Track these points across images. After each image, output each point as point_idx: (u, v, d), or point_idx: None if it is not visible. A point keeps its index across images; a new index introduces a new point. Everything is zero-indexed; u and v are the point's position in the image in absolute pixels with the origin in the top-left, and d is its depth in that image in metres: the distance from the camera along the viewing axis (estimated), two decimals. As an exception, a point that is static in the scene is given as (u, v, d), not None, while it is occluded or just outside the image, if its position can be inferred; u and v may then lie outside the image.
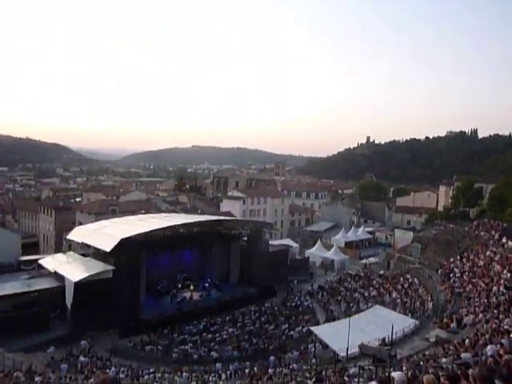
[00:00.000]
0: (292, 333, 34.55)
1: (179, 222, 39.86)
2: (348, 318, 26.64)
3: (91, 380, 19.63)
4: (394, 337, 24.19)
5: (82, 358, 26.75)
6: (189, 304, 38.55)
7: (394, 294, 38.05)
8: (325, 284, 45.54)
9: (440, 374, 7.97)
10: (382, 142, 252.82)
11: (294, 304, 41.09)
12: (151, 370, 25.55)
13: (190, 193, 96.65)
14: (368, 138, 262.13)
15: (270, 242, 49.59)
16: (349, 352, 23.61)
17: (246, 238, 46.03)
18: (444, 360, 14.64)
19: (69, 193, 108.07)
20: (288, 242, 55.31)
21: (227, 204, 71.36)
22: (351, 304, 38.74)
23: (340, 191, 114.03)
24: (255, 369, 26.48)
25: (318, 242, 57.71)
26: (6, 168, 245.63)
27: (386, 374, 12.98)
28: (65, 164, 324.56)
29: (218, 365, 27.53)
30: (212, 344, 32.13)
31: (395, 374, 8.04)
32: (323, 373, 18.57)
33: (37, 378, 16.70)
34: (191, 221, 41.66)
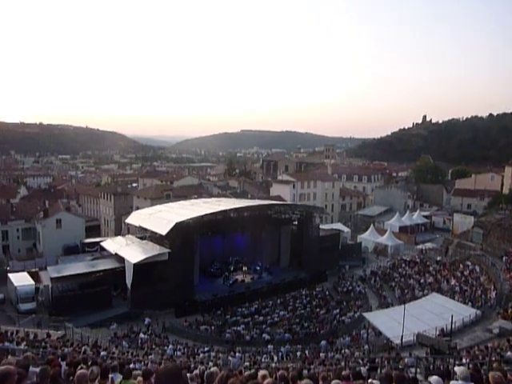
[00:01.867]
0: (343, 318, 34.30)
1: (230, 207, 40.52)
2: (402, 305, 25.94)
3: (151, 356, 20.74)
4: (452, 327, 23.19)
5: (141, 335, 28.34)
6: (241, 286, 39.38)
7: (453, 282, 36.40)
8: (377, 269, 44.50)
9: (505, 368, 7.49)
10: (440, 121, 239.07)
11: (345, 289, 40.65)
12: (206, 349, 26.57)
13: (239, 177, 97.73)
14: (424, 117, 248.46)
15: (321, 227, 49.10)
16: (403, 340, 23.04)
17: (296, 223, 45.91)
18: (509, 353, 13.81)
19: (126, 178, 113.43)
20: (339, 226, 54.49)
21: (277, 188, 71.33)
22: (406, 291, 37.61)
23: (394, 174, 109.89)
24: (306, 352, 26.69)
25: (371, 227, 56.28)
26: (68, 156, 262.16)
27: (445, 366, 12.49)
28: (121, 151, 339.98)
29: (270, 346, 28.05)
30: (263, 326, 32.73)
31: (458, 369, 7.66)
32: (376, 360, 18.27)
33: (102, 353, 17.89)
34: (242, 205, 42.15)
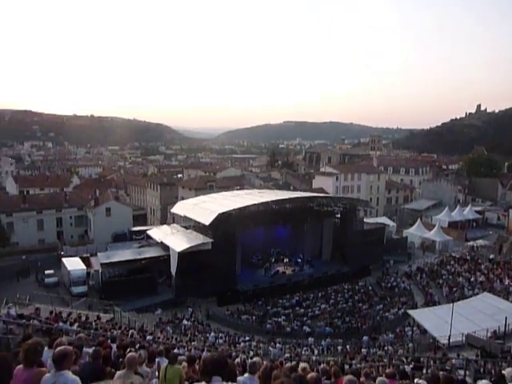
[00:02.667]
0: (387, 314, 33.50)
1: (272, 199, 40.51)
2: (451, 304, 24.89)
3: (194, 343, 21.33)
4: (506, 329, 21.96)
5: (185, 322, 29.21)
6: (282, 278, 39.45)
7: (507, 282, 34.43)
8: (424, 266, 42.91)
9: None
10: (496, 111, 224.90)
11: (389, 285, 39.61)
12: (247, 339, 26.95)
13: (282, 169, 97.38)
14: (478, 107, 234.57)
15: (365, 220, 48.00)
16: (451, 340, 22.14)
17: (339, 215, 45.16)
18: None
19: (171, 169, 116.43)
20: (384, 220, 52.99)
21: (319, 180, 70.41)
22: (454, 289, 36.03)
23: (444, 166, 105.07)
24: (348, 347, 26.38)
25: (418, 221, 54.24)
26: (117, 147, 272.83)
27: (497, 370, 11.85)
28: (167, 142, 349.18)
29: (311, 339, 27.97)
30: (304, 318, 32.66)
31: (507, 371, 7.24)
32: (422, 359, 17.70)
33: (148, 337, 18.63)
34: (284, 197, 42.03)
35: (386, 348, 24.92)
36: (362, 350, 24.69)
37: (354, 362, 19.67)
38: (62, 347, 4.16)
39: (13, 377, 3.53)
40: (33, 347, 3.94)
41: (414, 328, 28.55)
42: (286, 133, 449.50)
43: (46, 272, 36.97)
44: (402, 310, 33.10)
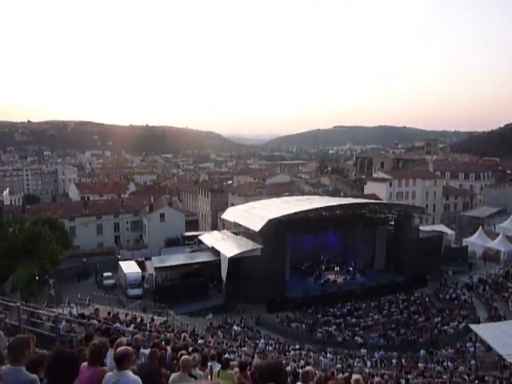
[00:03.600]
0: (446, 328, 31.67)
1: (322, 205, 39.92)
2: (519, 320, 23.02)
3: (244, 348, 21.38)
4: None
5: (235, 327, 29.41)
6: (332, 286, 38.64)
7: None
8: (487, 277, 40.16)
9: None
10: None
11: (448, 296, 37.48)
12: (297, 347, 26.58)
13: (331, 175, 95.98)
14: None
15: (421, 228, 45.85)
16: (520, 359, 20.41)
17: (392, 223, 43.56)
18: None
19: (221, 176, 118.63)
20: (441, 228, 50.30)
21: (371, 186, 68.47)
22: (522, 303, 33.38)
23: (509, 171, 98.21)
24: (403, 360, 25.21)
25: (480, 230, 50.98)
26: (170, 155, 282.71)
27: None
28: (217, 150, 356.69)
29: (363, 350, 27.07)
30: (356, 329, 31.70)
31: None
32: (486, 378, 16.50)
33: (200, 341, 18.92)
34: (334, 203, 41.31)
35: (445, 364, 23.51)
36: (419, 364, 23.45)
37: (410, 376, 18.74)
38: (124, 347, 4.31)
39: (79, 373, 3.69)
40: (99, 348, 4.12)
41: (477, 344, 26.71)
42: (335, 138, 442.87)
43: (105, 274, 38.91)
44: (463, 324, 31.15)
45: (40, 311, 13.42)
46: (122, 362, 4.05)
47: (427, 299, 37.29)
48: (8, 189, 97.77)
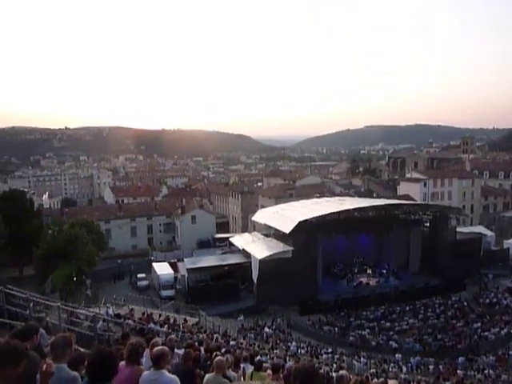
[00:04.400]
0: (486, 333, 30.40)
1: (354, 206, 39.29)
2: None
3: (276, 351, 21.30)
4: None
5: (266, 329, 29.36)
6: (365, 289, 37.94)
7: None
8: (531, 281, 38.27)
9: None
10: None
11: (488, 301, 36.00)
12: (329, 350, 26.23)
13: (363, 175, 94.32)
14: None
15: (458, 230, 44.32)
16: None
17: (428, 224, 42.33)
18: None
19: (251, 178, 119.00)
20: (480, 229, 48.35)
21: (405, 186, 66.73)
22: None
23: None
24: (441, 367, 24.41)
25: (521, 231, 48.73)
26: (201, 158, 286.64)
27: None
28: (247, 152, 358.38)
29: (398, 356, 26.39)
30: (391, 333, 30.96)
31: None
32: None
33: (232, 342, 19.01)
34: (366, 205, 40.55)
35: (486, 372, 22.58)
36: (458, 371, 22.63)
37: (448, 383, 18.12)
38: (161, 347, 4.39)
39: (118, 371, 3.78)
40: (136, 347, 4.22)
41: (521, 351, 25.50)
42: (367, 138, 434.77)
43: (139, 275, 39.84)
44: (505, 330, 29.83)
45: (78, 311, 13.90)
46: (159, 361, 4.13)
47: (466, 303, 35.92)
48: (47, 193, 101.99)
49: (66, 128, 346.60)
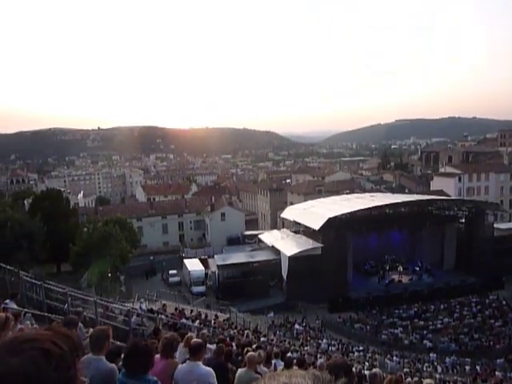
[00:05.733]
0: (527, 334, 29.13)
1: (385, 202, 38.49)
2: None
3: (307, 348, 21.23)
4: None
5: (297, 326, 29.28)
6: (397, 287, 37.14)
7: None
8: None
9: None
10: None
11: (529, 300, 34.46)
12: (361, 348, 25.90)
13: (395, 171, 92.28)
14: None
15: (496, 226, 42.48)
16: None
17: (463, 220, 40.96)
18: None
19: (280, 175, 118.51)
20: (520, 225, 46.36)
21: (439, 181, 64.79)
22: None
23: None
24: (478, 368, 23.65)
25: None
26: (229, 155, 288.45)
27: None
28: (275, 149, 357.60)
29: (433, 355, 25.76)
30: (424, 332, 30.27)
31: None
32: None
33: (262, 339, 19.08)
34: (398, 201, 39.65)
35: (526, 373, 21.66)
36: (496, 372, 21.84)
37: (486, 385, 17.52)
38: (198, 340, 4.48)
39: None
40: (170, 341, 4.34)
41: None
42: (398, 132, 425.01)
43: (170, 272, 40.61)
44: (547, 331, 28.49)
45: (113, 305, 14.33)
46: (196, 352, 4.22)
47: (504, 302, 34.59)
48: (82, 192, 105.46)
49: (99, 128, 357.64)
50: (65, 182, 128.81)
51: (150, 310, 17.80)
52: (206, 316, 23.21)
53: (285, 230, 44.21)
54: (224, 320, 23.99)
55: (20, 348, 0.87)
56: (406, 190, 65.74)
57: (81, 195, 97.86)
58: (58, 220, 39.43)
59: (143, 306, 19.72)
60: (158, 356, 4.22)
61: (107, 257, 34.39)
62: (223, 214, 54.45)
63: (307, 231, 38.91)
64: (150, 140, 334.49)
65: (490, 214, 41.81)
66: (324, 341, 26.06)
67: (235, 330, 19.08)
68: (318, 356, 18.36)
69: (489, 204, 44.53)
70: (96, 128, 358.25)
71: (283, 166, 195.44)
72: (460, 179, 62.18)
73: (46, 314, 9.16)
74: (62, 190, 69.13)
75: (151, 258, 45.25)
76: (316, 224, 34.94)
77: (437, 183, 65.13)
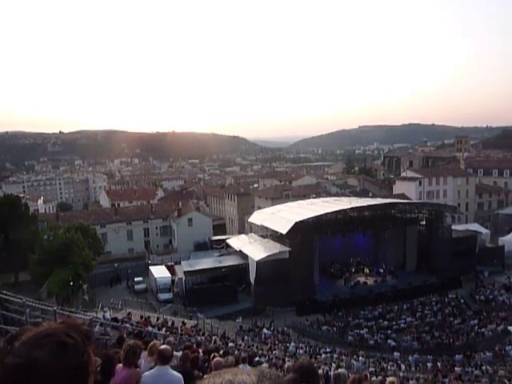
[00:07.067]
0: (483, 330, 30.61)
1: (350, 206, 39.40)
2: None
3: (275, 352, 21.29)
4: None
5: (265, 331, 29.30)
6: (363, 289, 37.98)
7: None
8: (526, 277, 38.53)
9: None
10: None
11: (484, 298, 36.18)
12: (328, 350, 26.23)
13: (359, 175, 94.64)
14: None
15: (453, 227, 44.50)
16: None
17: (424, 223, 42.51)
18: None
19: (247, 180, 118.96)
20: (475, 227, 48.63)
21: (401, 185, 67.07)
22: None
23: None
24: (439, 364, 24.49)
25: (516, 228, 49.05)
26: (197, 160, 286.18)
27: None
28: (242, 153, 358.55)
29: (396, 354, 26.47)
30: (389, 332, 31.07)
31: None
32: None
33: (230, 344, 18.99)
34: (362, 204, 40.67)
35: (483, 368, 22.67)
36: (456, 368, 22.73)
37: (446, 380, 18.20)
38: (165, 346, 4.41)
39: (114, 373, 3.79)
40: (133, 349, 4.23)
41: (518, 347, 25.66)
42: (362, 138, 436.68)
43: (136, 279, 39.68)
44: (502, 327, 30.02)
45: (75, 315, 13.83)
46: (165, 358, 4.16)
47: (462, 301, 36.15)
48: (42, 197, 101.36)
49: (60, 132, 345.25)
50: (24, 187, 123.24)
51: (115, 319, 17.30)
52: (173, 323, 22.83)
53: (252, 234, 44.29)
54: (191, 327, 23.68)
55: (42, 342, 1.10)
56: (370, 194, 67.57)
57: (41, 201, 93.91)
58: (15, 227, 37.69)
59: (107, 315, 19.15)
60: (120, 365, 4.12)
61: (69, 265, 33.24)
62: (190, 220, 53.91)
63: (275, 235, 39.18)
64: (114, 144, 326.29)
65: (448, 216, 43.73)
66: (292, 344, 26.23)
67: (203, 337, 18.89)
68: (286, 359, 18.47)
69: (447, 207, 46.45)
70: (57, 132, 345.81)
71: (251, 170, 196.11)
72: (420, 183, 64.61)
73: (3, 326, 8.71)
74: (21, 195, 66.16)
75: (116, 265, 44.05)
76: (283, 228, 35.24)
77: (399, 187, 67.38)
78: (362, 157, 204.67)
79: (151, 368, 4.40)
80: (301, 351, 24.82)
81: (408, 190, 63.56)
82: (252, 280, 35.22)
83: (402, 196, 59.73)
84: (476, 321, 32.04)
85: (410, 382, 18.01)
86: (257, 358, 13.57)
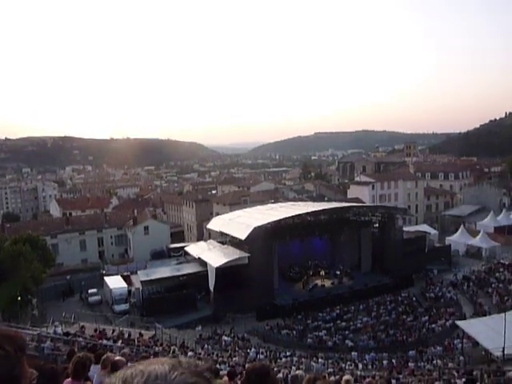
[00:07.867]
0: (434, 326, 32.07)
1: (307, 210, 40.14)
2: (503, 314, 23.48)
3: (235, 358, 21.18)
4: None
5: (225, 338, 29.10)
6: (321, 291, 38.70)
7: None
8: (471, 274, 40.91)
9: None
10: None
11: (434, 295, 37.98)
12: (288, 354, 26.45)
13: (315, 180, 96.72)
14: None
15: (405, 229, 46.49)
16: (506, 352, 20.78)
17: (377, 225, 44.06)
18: None
19: (205, 186, 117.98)
20: (425, 228, 51.14)
21: (355, 190, 69.28)
22: (506, 298, 34.04)
23: (486, 169, 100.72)
24: (394, 361, 25.38)
25: (461, 228, 52.04)
26: (153, 167, 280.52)
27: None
28: (200, 160, 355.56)
29: (354, 353, 27.13)
30: (346, 332, 31.81)
31: None
32: (475, 372, 16.71)
33: (189, 353, 18.72)
34: (318, 208, 41.58)
35: (434, 362, 23.77)
36: (409, 364, 23.66)
37: (400, 376, 18.87)
38: (119, 357, 4.27)
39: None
40: (82, 361, 4.06)
41: (464, 340, 27.10)
42: (317, 144, 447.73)
43: (90, 291, 38.12)
44: (450, 322, 31.59)
45: (23, 331, 13.08)
46: (118, 369, 4.02)
47: (414, 299, 37.71)
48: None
49: (6, 139, 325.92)
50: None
51: (67, 334, 16.53)
52: (130, 335, 22.12)
53: (211, 241, 43.96)
54: (149, 338, 23.07)
55: None
56: (326, 198, 69.11)
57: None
58: (-45, 240, 35.13)
59: (58, 330, 18.28)
60: (68, 380, 3.95)
61: (16, 279, 31.36)
62: (146, 228, 52.68)
63: (234, 241, 39.10)
64: (65, 151, 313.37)
65: (399, 218, 45.64)
66: (252, 350, 26.21)
67: (161, 347, 18.46)
68: (247, 365, 18.43)
69: (398, 209, 48.54)
70: (3, 138, 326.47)
71: (209, 177, 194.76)
72: (373, 187, 67.07)
73: None
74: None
75: (68, 277, 42.11)
76: (242, 234, 35.27)
77: (353, 191, 69.54)
78: (317, 163, 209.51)
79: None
80: (261, 356, 24.85)
81: (362, 193, 65.76)
82: (211, 287, 34.91)
83: (356, 200, 61.70)
84: (427, 317, 33.50)
85: (367, 379, 18.52)
86: (216, 366, 13.48)
